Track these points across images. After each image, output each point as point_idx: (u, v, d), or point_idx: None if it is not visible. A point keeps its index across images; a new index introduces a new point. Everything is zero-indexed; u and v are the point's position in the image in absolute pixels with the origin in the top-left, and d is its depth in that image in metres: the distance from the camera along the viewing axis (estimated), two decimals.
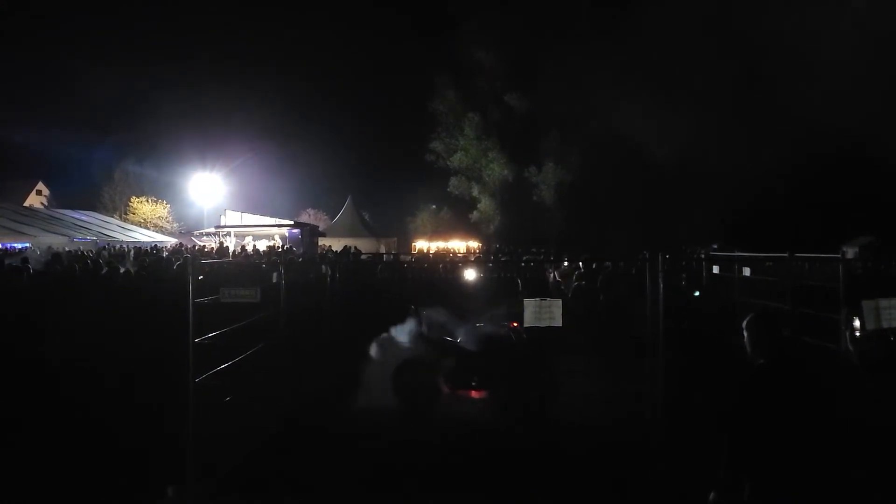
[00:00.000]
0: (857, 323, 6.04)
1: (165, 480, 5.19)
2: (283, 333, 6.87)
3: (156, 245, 27.04)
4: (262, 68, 64.97)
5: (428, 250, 33.95)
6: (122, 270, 10.49)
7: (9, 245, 23.12)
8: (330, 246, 30.28)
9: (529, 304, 5.24)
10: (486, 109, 46.96)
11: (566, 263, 13.07)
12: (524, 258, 18.82)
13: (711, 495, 3.50)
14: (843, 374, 5.84)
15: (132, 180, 49.00)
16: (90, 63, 56.30)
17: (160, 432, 5.48)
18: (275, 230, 34.36)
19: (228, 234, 32.30)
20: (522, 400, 7.33)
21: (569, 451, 5.86)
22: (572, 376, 7.65)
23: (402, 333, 8.20)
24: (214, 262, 10.83)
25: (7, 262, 11.12)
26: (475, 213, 47.36)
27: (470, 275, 10.52)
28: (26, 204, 45.74)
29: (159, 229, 42.92)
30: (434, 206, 50.02)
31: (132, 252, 21.29)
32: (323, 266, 9.47)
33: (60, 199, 49.87)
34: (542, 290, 10.66)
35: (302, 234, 31.17)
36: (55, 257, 10.14)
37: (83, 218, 35.69)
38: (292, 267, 8.54)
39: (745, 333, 3.75)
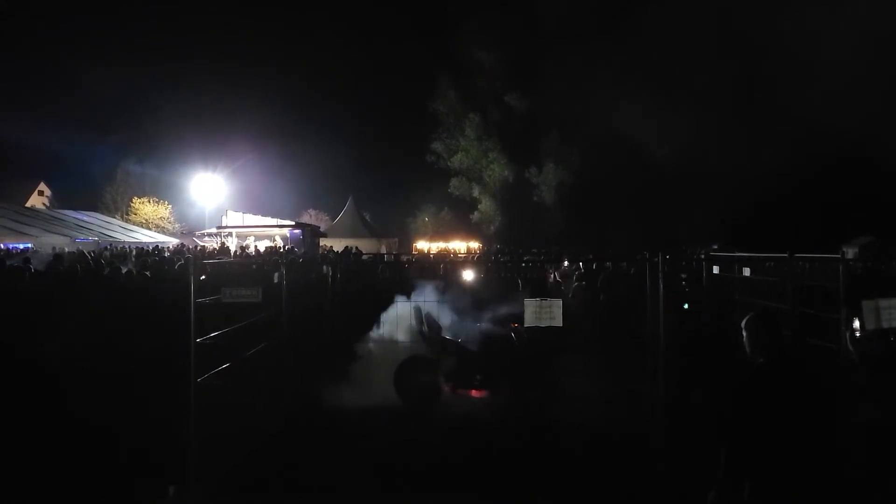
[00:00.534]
0: (857, 323, 6.05)
1: (165, 480, 5.20)
2: (284, 333, 6.89)
3: (157, 245, 27.06)
4: (264, 69, 64.89)
5: (429, 251, 33.96)
6: (123, 271, 10.51)
7: (10, 245, 23.14)
8: (331, 246, 30.30)
9: (530, 305, 5.25)
10: (487, 110, 47.03)
11: (566, 264, 13.08)
12: (524, 258, 18.82)
13: (711, 495, 3.51)
14: (843, 374, 5.84)
15: (134, 181, 49.01)
16: (91, 63, 56.28)
17: (160, 432, 5.49)
18: (276, 230, 34.40)
19: (230, 234, 32.34)
20: (523, 400, 7.34)
21: (569, 450, 5.87)
22: (572, 376, 7.65)
23: (404, 333, 8.22)
24: (216, 262, 10.85)
25: (9, 262, 11.13)
26: (476, 213, 47.41)
27: (471, 275, 10.53)
28: (28, 204, 45.77)
29: (161, 230, 42.94)
30: (434, 207, 50.03)
31: (134, 252, 21.32)
32: (324, 266, 9.48)
33: (62, 199, 49.86)
34: (542, 290, 10.67)
35: (303, 234, 31.23)
36: (56, 258, 10.13)
37: (85, 218, 35.73)
38: (294, 267, 8.56)
39: (745, 333, 3.75)
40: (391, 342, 8.16)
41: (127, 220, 42.99)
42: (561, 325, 5.18)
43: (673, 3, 38.05)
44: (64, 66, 62.04)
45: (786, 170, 32.29)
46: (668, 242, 26.32)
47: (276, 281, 7.08)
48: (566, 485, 5.34)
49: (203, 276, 7.33)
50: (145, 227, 41.92)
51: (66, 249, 20.77)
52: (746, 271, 7.86)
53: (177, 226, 46.37)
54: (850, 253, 16.90)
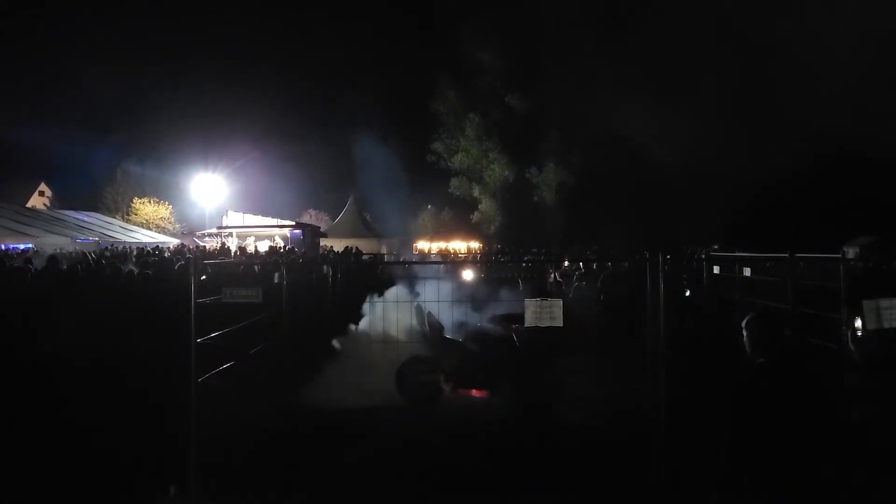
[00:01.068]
0: (858, 323, 6.05)
1: (166, 480, 5.21)
2: (285, 334, 6.89)
3: (158, 246, 27.08)
4: (264, 69, 64.91)
5: (429, 251, 33.98)
6: (125, 271, 10.50)
7: (11, 246, 23.15)
8: (331, 246, 30.31)
9: (530, 305, 5.25)
10: (487, 110, 47.02)
11: (567, 264, 13.09)
12: (525, 259, 18.83)
13: (713, 496, 3.51)
14: (843, 374, 5.85)
15: (134, 181, 49.01)
16: (92, 63, 56.21)
17: (161, 432, 5.49)
18: (276, 231, 34.43)
19: (230, 234, 32.37)
20: (524, 400, 7.34)
21: (569, 450, 5.87)
22: (573, 376, 7.66)
23: (405, 333, 8.23)
24: (216, 263, 10.85)
25: (9, 263, 11.12)
26: (476, 213, 47.40)
27: (472, 275, 10.54)
28: (29, 205, 45.81)
29: (161, 230, 42.95)
30: (434, 207, 50.03)
31: (134, 253, 21.32)
32: (324, 266, 9.49)
33: (63, 199, 49.89)
34: (542, 290, 10.69)
35: (303, 234, 31.28)
36: (51, 260, 10.00)
37: (85, 219, 35.76)
38: (294, 267, 8.57)
39: (745, 333, 3.75)
40: (394, 342, 8.16)
41: (127, 221, 43.01)
42: (561, 325, 5.17)
43: (673, 4, 38.08)
44: (64, 67, 62.14)
45: (786, 170, 32.28)
46: (668, 242, 26.30)
47: (276, 281, 7.09)
48: (567, 484, 5.34)
49: (203, 277, 7.34)
50: (146, 227, 41.93)
51: (67, 250, 20.80)
52: (747, 271, 7.86)
53: (177, 226, 46.37)
54: (851, 253, 16.87)
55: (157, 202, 46.34)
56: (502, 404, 7.62)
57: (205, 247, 27.99)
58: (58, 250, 17.63)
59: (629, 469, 5.28)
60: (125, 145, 49.74)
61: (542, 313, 5.22)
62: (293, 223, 36.21)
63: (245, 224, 35.51)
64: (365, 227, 46.18)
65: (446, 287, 9.27)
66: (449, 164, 47.76)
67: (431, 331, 8.34)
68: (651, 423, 5.09)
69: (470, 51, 46.25)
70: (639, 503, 5.12)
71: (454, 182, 47.66)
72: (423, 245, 39.21)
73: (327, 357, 8.03)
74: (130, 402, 5.79)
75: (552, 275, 13.20)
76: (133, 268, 10.92)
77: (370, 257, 18.58)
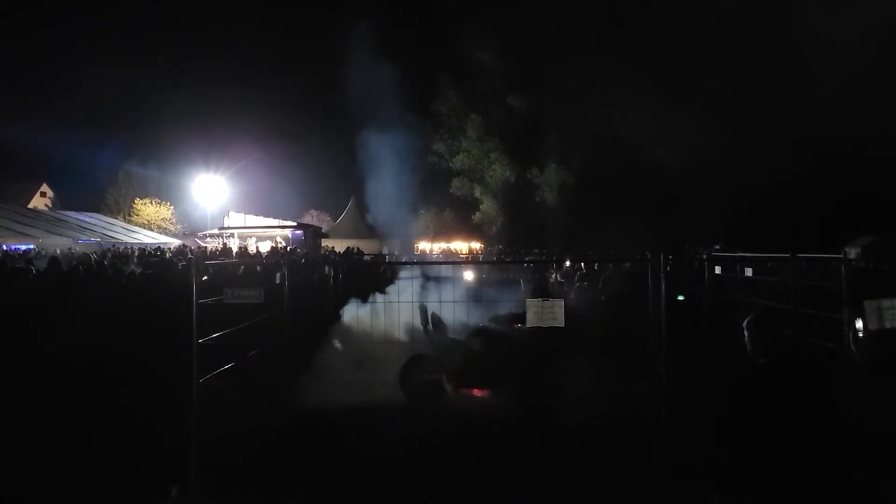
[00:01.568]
0: (859, 323, 6.04)
1: (165, 480, 5.21)
2: (286, 334, 6.89)
3: (159, 246, 27.11)
4: (266, 70, 65.07)
5: (431, 251, 33.99)
6: (126, 271, 10.52)
7: (13, 247, 23.20)
8: (333, 247, 30.34)
9: (532, 305, 5.25)
10: (488, 110, 47.00)
11: (568, 264, 13.10)
12: (527, 259, 18.84)
13: (713, 496, 3.51)
14: (844, 374, 5.84)
15: (136, 182, 49.11)
16: (94, 64, 56.45)
17: (161, 432, 5.50)
18: (278, 231, 34.47)
19: (232, 235, 32.41)
20: (525, 400, 7.33)
21: (570, 451, 5.87)
22: (574, 376, 7.66)
23: (407, 333, 8.23)
24: (217, 263, 10.86)
25: (10, 264, 11.14)
26: (477, 214, 47.38)
27: (473, 275, 10.55)
28: (31, 205, 45.91)
29: (163, 231, 43.02)
30: (436, 208, 49.99)
31: (136, 253, 21.35)
32: (326, 267, 9.50)
33: (65, 200, 49.99)
34: (544, 290, 10.67)
35: (305, 235, 31.32)
36: (52, 261, 10.00)
37: (87, 220, 35.81)
38: (295, 268, 8.58)
39: (746, 333, 3.75)
40: (396, 342, 8.15)
41: (129, 222, 43.07)
42: (563, 325, 5.18)
43: (674, 4, 38.08)
44: (66, 68, 62.32)
45: (787, 170, 32.27)
46: (670, 242, 26.31)
47: (277, 282, 7.09)
48: (567, 485, 5.34)
49: (205, 277, 7.35)
50: (147, 228, 41.98)
51: (69, 250, 20.82)
52: (748, 271, 7.86)
53: (179, 227, 46.43)
54: (853, 253, 16.87)
55: (158, 203, 46.41)
56: (503, 404, 7.62)
57: (206, 247, 28.02)
58: (59, 251, 17.65)
59: (629, 469, 5.29)
60: (127, 146, 49.90)
61: (544, 313, 5.22)
62: (294, 224, 36.27)
63: (246, 225, 35.55)
64: (366, 228, 46.21)
65: (449, 287, 9.26)
66: (450, 164, 47.76)
67: (436, 330, 8.34)
68: (651, 423, 5.09)
69: (470, 51, 46.26)
70: (639, 503, 5.12)
71: (455, 182, 47.65)
72: (424, 245, 39.24)
73: (328, 357, 8.03)
74: (131, 402, 5.81)
75: (554, 275, 13.20)
76: (135, 268, 10.94)
77: (371, 258, 18.59)
